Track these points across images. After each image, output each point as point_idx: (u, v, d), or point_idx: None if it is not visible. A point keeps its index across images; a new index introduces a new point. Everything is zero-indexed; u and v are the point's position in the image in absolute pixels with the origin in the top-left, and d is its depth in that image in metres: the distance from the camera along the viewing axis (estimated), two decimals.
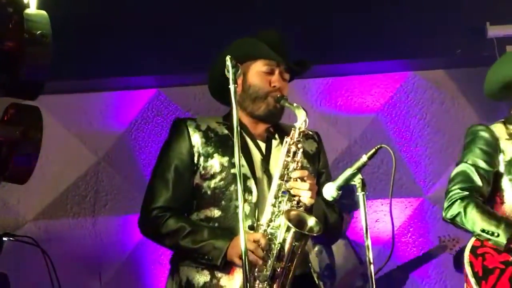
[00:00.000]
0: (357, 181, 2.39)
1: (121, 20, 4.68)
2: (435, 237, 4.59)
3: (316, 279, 2.56)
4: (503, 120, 3.09)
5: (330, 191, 2.43)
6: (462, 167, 2.99)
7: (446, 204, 2.95)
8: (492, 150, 3.01)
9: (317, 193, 2.48)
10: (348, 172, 2.41)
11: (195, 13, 4.66)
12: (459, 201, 2.91)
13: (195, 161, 2.54)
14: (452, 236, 4.43)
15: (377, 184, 4.82)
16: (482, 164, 2.99)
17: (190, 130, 2.57)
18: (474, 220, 2.89)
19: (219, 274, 2.43)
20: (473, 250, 2.94)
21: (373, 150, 2.40)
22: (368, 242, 2.27)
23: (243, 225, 2.14)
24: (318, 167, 2.70)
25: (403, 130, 5.23)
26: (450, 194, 2.94)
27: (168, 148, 2.59)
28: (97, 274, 4.70)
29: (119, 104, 5.13)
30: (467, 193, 2.93)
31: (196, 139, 2.56)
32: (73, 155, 4.93)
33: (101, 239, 4.77)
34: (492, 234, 2.86)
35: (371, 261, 2.24)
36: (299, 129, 2.48)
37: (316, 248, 3.16)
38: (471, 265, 2.94)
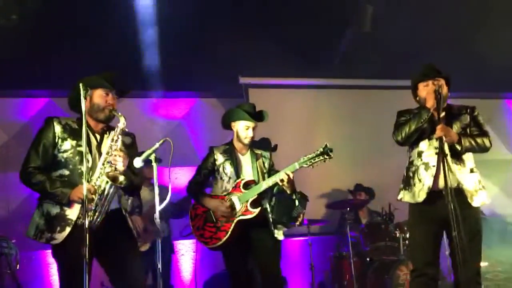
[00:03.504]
0: (152, 157, 3.06)
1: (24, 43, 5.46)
2: None
3: (124, 212, 3.14)
4: (227, 142, 4.13)
5: (137, 162, 3.02)
6: None
7: None
8: (209, 164, 3.99)
9: (128, 165, 3.04)
10: (148, 151, 3.06)
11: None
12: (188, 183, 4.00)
13: (56, 141, 3.04)
14: None
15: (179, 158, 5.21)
16: (205, 166, 4.03)
17: (55, 123, 3.07)
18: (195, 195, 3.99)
19: (65, 208, 2.96)
20: (193, 206, 4.07)
21: (161, 141, 3.07)
22: (156, 191, 3.01)
23: (85, 180, 2.75)
24: (132, 152, 3.23)
25: (194, 130, 6.84)
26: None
27: (41, 133, 3.08)
28: (6, 206, 5.86)
29: (24, 107, 6.34)
30: (200, 179, 3.98)
31: (58, 129, 3.06)
32: None
33: (10, 185, 5.76)
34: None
35: (157, 199, 3.01)
36: (120, 127, 3.07)
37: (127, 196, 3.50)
38: (190, 213, 4.06)
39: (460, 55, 6.54)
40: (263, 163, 4.04)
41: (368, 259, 5.61)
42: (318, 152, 3.69)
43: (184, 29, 5.92)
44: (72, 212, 2.94)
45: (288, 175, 3.71)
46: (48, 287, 6.02)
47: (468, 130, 3.51)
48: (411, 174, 3.52)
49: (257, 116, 4.03)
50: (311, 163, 3.70)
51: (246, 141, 3.98)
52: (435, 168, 3.40)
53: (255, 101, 5.77)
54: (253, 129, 3.98)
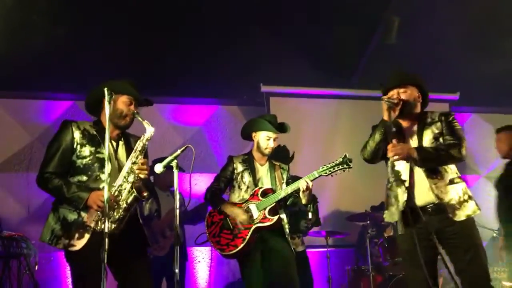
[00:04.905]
0: (174, 163, 3.01)
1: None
2: None
3: (140, 219, 3.16)
4: (246, 152, 4.15)
5: (158, 168, 3.03)
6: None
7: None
8: (228, 172, 3.99)
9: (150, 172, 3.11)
10: (170, 158, 3.02)
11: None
12: (206, 190, 3.98)
13: (74, 146, 2.98)
14: None
15: (198, 164, 5.80)
16: (224, 175, 3.99)
17: (74, 128, 3.01)
18: (213, 202, 3.93)
19: (82, 214, 2.91)
20: (209, 213, 4.03)
21: (184, 147, 3.03)
22: (177, 198, 2.90)
23: (107, 187, 2.70)
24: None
25: (214, 136, 6.77)
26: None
27: (59, 136, 3.01)
28: (26, 205, 5.92)
29: (48, 109, 6.39)
30: (218, 187, 3.97)
31: (77, 134, 2.99)
32: (16, 137, 6.17)
33: (31, 185, 5.29)
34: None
35: (177, 206, 2.89)
36: (146, 137, 3.05)
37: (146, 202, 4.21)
38: (206, 220, 4.01)
39: (484, 69, 6.46)
40: (281, 174, 4.06)
41: (387, 274, 5.45)
42: (338, 162, 3.70)
43: (208, 36, 5.94)
44: (90, 219, 2.90)
45: (307, 183, 3.69)
46: None
47: (441, 139, 3.15)
48: (388, 192, 3.26)
49: (280, 128, 4.06)
50: (330, 172, 3.71)
51: (267, 151, 4.00)
52: (407, 182, 3.10)
53: (276, 110, 6.04)
54: (274, 140, 3.99)
